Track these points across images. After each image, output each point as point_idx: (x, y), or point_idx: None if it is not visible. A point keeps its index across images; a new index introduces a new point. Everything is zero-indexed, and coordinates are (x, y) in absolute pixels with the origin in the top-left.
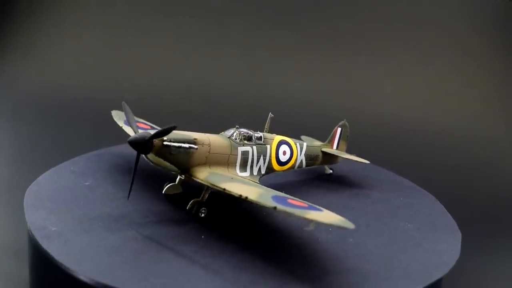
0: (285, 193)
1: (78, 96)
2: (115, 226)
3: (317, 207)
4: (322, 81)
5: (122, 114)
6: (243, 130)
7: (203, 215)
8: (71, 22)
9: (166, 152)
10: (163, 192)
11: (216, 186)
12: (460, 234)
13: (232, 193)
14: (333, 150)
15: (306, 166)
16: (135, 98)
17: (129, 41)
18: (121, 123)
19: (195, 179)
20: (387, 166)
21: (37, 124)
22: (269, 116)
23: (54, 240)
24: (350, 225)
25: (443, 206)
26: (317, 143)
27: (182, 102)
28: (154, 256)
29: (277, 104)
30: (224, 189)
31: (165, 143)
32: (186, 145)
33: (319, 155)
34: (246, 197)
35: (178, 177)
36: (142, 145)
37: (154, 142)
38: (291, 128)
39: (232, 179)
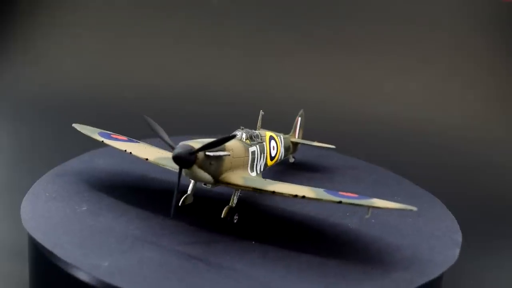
0: None
1: (78, 96)
2: (161, 248)
3: (366, 196)
4: (322, 81)
5: (87, 127)
6: (248, 131)
7: (235, 221)
8: (71, 22)
9: (207, 163)
10: (179, 204)
11: (263, 190)
12: (439, 200)
13: (285, 195)
14: (299, 139)
15: (283, 157)
16: (134, 98)
17: (129, 41)
18: (95, 136)
19: (230, 186)
20: (387, 166)
21: (37, 124)
22: (260, 114)
23: (121, 277)
24: (413, 208)
25: (402, 177)
26: (283, 134)
27: (182, 102)
28: (227, 275)
29: (277, 104)
30: (274, 191)
31: (207, 153)
32: (222, 153)
33: (290, 145)
34: (303, 196)
35: (190, 186)
36: (186, 159)
37: (197, 154)
38: (290, 128)
39: (266, 181)
